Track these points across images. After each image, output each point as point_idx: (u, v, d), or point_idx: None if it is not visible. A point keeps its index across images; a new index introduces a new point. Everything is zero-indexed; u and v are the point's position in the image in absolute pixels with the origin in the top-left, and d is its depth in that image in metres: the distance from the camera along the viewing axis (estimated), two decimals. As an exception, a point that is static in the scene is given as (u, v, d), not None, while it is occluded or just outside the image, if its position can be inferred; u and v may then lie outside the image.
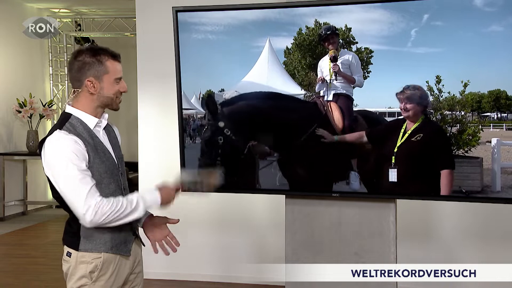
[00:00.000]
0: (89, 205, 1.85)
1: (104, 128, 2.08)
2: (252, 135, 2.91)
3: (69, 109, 2.01)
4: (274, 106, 2.89)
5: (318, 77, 2.78)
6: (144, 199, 1.97)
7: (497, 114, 2.63)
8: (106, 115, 2.09)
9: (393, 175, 2.68)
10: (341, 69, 2.72)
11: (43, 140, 1.94)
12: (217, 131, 2.88)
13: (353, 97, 2.74)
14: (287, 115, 2.89)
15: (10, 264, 5.03)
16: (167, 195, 2.04)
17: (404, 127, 2.66)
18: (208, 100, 2.89)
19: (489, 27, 2.51)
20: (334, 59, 2.72)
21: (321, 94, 2.79)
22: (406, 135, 2.65)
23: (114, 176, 2.02)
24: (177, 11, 2.87)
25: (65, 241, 2.04)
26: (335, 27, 2.69)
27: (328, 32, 2.71)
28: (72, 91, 2.02)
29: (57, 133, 1.92)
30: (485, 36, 2.52)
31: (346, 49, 2.71)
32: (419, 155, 2.68)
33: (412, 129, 2.64)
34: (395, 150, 2.68)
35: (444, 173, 2.63)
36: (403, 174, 2.67)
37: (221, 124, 2.87)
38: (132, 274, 2.14)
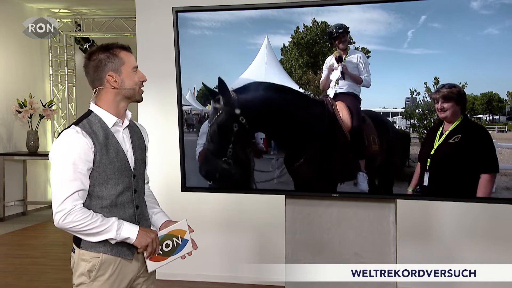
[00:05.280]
0: (64, 208, 1.89)
1: (128, 127, 2.09)
2: (265, 127, 2.87)
3: (91, 107, 2.05)
4: (286, 100, 2.84)
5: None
6: (121, 227, 1.96)
7: (489, 116, 2.59)
8: (129, 114, 2.11)
9: (425, 179, 2.61)
10: (349, 69, 2.69)
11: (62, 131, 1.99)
12: (233, 117, 2.81)
13: (360, 96, 2.70)
14: (297, 111, 2.84)
15: (10, 264, 5.02)
16: (143, 238, 2.00)
17: (440, 129, 2.57)
18: (221, 85, 2.81)
19: (485, 30, 2.50)
20: (339, 60, 2.69)
21: (328, 93, 2.76)
22: (444, 136, 2.55)
23: (123, 177, 2.01)
24: (177, 11, 2.87)
25: (73, 236, 2.05)
26: (346, 25, 2.65)
27: (340, 31, 2.66)
28: (94, 90, 2.04)
29: (72, 128, 1.96)
30: (480, 39, 2.51)
31: (354, 48, 2.67)
32: (456, 158, 2.56)
33: (450, 129, 2.54)
34: (432, 152, 2.58)
35: (484, 178, 2.52)
36: (438, 177, 2.58)
37: (238, 111, 2.80)
38: (140, 278, 2.13)
